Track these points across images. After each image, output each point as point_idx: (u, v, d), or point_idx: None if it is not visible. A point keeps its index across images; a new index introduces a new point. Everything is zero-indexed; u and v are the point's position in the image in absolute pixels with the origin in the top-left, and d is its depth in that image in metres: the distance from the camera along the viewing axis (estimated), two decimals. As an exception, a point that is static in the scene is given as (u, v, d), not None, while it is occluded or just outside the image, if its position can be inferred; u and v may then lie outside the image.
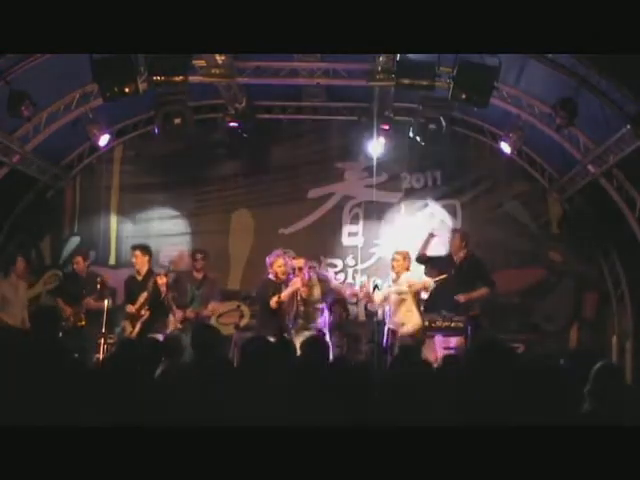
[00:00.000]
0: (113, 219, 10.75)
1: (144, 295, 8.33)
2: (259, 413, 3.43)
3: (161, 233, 10.59)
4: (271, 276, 8.36)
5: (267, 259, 8.53)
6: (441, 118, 8.72)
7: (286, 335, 7.72)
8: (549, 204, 10.49)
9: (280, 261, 8.37)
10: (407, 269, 8.53)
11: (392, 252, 8.75)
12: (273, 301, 8.09)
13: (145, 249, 8.81)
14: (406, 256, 8.59)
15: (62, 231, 10.71)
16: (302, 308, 8.24)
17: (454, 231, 9.35)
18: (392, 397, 3.55)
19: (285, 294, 8.15)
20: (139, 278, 8.60)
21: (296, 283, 8.19)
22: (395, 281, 8.51)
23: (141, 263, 8.62)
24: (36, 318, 4.84)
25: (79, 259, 9.22)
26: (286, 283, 8.26)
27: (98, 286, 8.78)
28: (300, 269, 8.36)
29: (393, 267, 8.53)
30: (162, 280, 8.31)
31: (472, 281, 8.57)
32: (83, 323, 8.65)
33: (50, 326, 4.70)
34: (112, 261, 10.72)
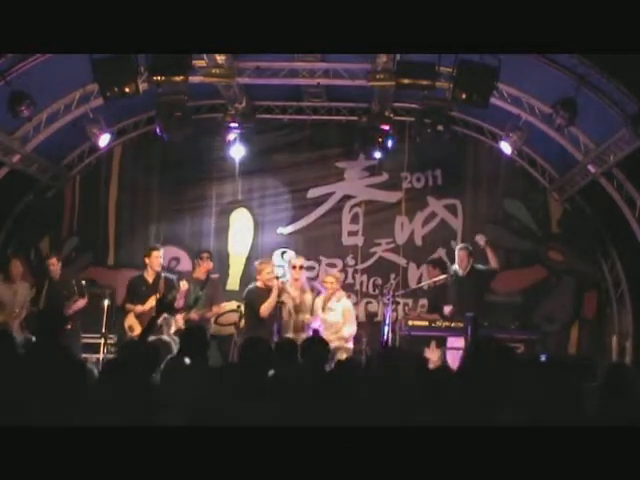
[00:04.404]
0: (112, 219, 10.75)
1: (156, 296, 8.26)
2: (258, 413, 3.43)
3: (160, 233, 10.60)
4: (259, 283, 8.36)
5: (256, 264, 8.58)
6: (441, 118, 8.71)
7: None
8: (549, 204, 10.50)
9: (269, 268, 8.36)
10: (340, 289, 8.61)
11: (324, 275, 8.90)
12: (262, 308, 8.09)
13: (162, 251, 8.79)
14: (339, 278, 8.75)
15: (62, 231, 10.71)
16: (292, 318, 8.20)
17: (460, 249, 9.27)
18: (390, 397, 3.55)
19: (269, 302, 8.12)
20: (149, 279, 8.51)
21: (272, 281, 8.16)
22: (328, 300, 8.43)
23: (157, 264, 8.56)
24: (41, 321, 4.81)
25: (53, 260, 8.81)
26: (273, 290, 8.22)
27: (75, 288, 8.57)
28: (301, 267, 8.36)
29: (327, 288, 8.52)
30: (184, 286, 8.26)
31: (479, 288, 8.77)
32: (69, 326, 8.48)
33: (55, 329, 4.67)
34: (111, 261, 10.72)
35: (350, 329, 8.40)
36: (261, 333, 7.74)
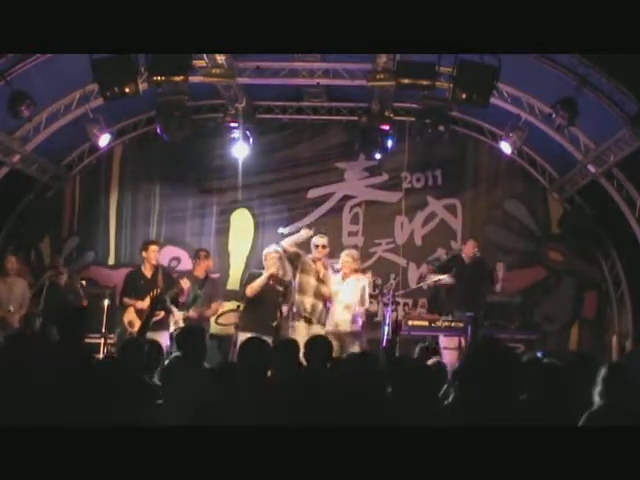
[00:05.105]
0: (112, 219, 10.76)
1: (155, 292, 8.23)
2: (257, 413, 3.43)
3: (160, 233, 10.60)
4: (264, 270, 8.38)
5: (264, 252, 8.58)
6: (441, 118, 8.71)
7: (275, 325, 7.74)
8: (549, 204, 10.50)
9: (273, 258, 8.34)
10: (356, 271, 8.48)
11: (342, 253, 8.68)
12: (248, 287, 8.17)
13: (159, 245, 8.78)
14: (355, 257, 8.58)
15: (62, 231, 10.72)
16: (314, 287, 8.17)
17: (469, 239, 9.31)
18: (391, 397, 3.55)
19: (255, 282, 8.16)
20: (147, 274, 8.48)
21: (270, 268, 8.17)
22: (343, 279, 8.41)
23: (154, 259, 8.54)
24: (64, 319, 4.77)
25: (60, 268, 9.09)
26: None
27: (81, 292, 8.64)
28: (323, 247, 8.32)
29: (343, 268, 8.44)
30: (186, 284, 8.24)
31: (477, 281, 8.79)
32: None
33: (78, 328, 4.63)
34: (111, 261, 10.73)
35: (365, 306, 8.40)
36: (254, 316, 7.80)
